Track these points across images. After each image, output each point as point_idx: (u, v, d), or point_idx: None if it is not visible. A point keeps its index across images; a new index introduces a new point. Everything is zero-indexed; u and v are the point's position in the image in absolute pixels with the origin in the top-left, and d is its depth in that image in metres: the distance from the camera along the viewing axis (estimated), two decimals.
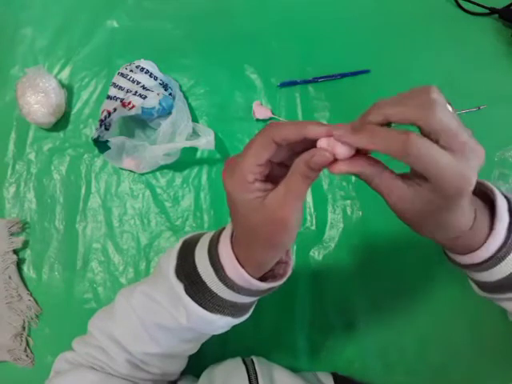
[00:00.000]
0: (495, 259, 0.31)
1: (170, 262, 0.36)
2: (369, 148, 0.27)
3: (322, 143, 0.28)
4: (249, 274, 0.32)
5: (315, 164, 0.28)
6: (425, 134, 0.26)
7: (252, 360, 0.45)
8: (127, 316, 0.38)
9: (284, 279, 0.36)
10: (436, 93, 0.26)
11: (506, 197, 0.32)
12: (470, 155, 0.26)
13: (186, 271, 0.35)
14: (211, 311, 0.34)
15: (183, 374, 0.46)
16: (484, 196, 0.33)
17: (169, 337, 0.38)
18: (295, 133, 0.28)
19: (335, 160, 0.28)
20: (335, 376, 0.49)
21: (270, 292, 0.37)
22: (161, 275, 0.37)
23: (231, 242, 0.33)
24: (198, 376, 0.45)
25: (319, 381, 0.48)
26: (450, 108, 0.26)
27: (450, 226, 0.30)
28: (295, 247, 0.56)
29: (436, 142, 0.25)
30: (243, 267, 0.32)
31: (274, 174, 0.31)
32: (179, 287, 0.34)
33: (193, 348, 0.41)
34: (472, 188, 0.27)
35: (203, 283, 0.34)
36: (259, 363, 0.44)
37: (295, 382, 0.44)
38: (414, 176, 0.28)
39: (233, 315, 0.36)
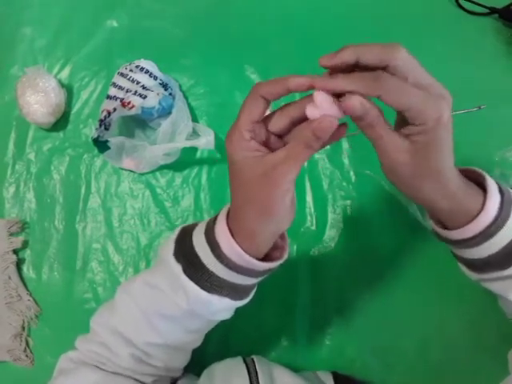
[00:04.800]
0: (485, 235, 0.32)
1: (168, 246, 0.37)
2: (348, 89, 0.29)
3: (311, 112, 0.30)
4: (244, 250, 0.33)
5: (321, 131, 0.29)
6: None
7: (252, 359, 0.45)
8: (128, 307, 0.39)
9: (280, 261, 0.36)
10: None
11: (496, 182, 0.34)
12: (437, 94, 0.29)
13: (184, 253, 0.36)
14: (209, 291, 0.35)
15: (184, 372, 0.45)
16: (476, 183, 0.34)
17: (170, 326, 0.38)
18: (278, 86, 0.30)
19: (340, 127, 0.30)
20: (335, 375, 0.49)
21: (268, 274, 0.37)
22: (160, 261, 0.38)
23: (227, 218, 0.34)
24: (198, 375, 0.45)
25: (319, 380, 0.48)
26: None
27: (439, 175, 0.31)
28: (295, 247, 0.56)
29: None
30: (238, 244, 0.33)
31: (274, 147, 0.32)
32: (178, 268, 0.35)
33: (195, 340, 0.41)
34: (446, 118, 0.28)
35: (201, 263, 0.34)
36: (260, 362, 0.44)
37: (296, 382, 0.44)
38: (399, 129, 0.31)
39: (231, 297, 0.36)
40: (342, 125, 0.31)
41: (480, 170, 0.34)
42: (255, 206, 0.32)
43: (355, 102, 0.29)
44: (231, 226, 0.34)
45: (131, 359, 0.39)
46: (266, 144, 0.33)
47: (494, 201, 0.32)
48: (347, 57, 0.30)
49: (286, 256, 0.37)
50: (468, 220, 0.33)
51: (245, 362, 0.45)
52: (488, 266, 0.35)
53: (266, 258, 0.35)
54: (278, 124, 0.33)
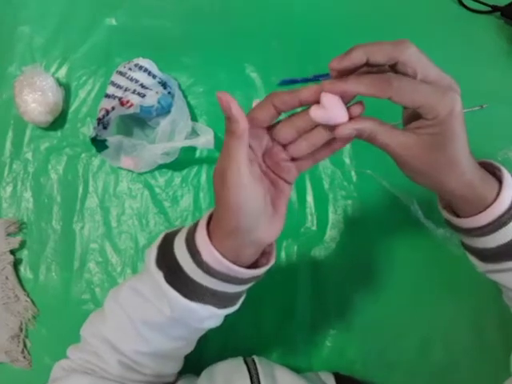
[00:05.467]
0: (498, 224, 0.33)
1: (151, 253, 0.37)
2: (358, 91, 0.29)
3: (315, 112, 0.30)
4: (224, 256, 0.33)
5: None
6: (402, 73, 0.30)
7: (253, 359, 0.45)
8: (116, 314, 0.38)
9: (266, 268, 0.35)
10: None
11: None
12: (447, 87, 0.30)
13: (166, 260, 0.35)
14: (191, 299, 0.34)
15: (183, 373, 0.45)
16: (493, 175, 0.35)
17: (157, 334, 0.37)
18: (290, 96, 0.31)
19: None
20: (337, 376, 0.48)
21: (253, 282, 0.36)
22: (145, 268, 0.38)
23: (207, 225, 0.34)
24: (197, 375, 0.44)
25: (321, 381, 0.48)
26: None
27: (457, 165, 0.31)
28: (296, 247, 0.56)
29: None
30: (218, 250, 0.33)
31: (277, 158, 0.34)
32: (159, 275, 0.35)
33: (184, 347, 0.41)
34: (458, 110, 0.29)
35: (181, 270, 0.34)
36: (260, 363, 0.44)
37: (297, 382, 0.43)
38: (408, 123, 0.31)
39: (215, 305, 0.35)
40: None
41: (496, 163, 0.35)
42: (223, 199, 0.31)
43: (346, 132, 0.30)
44: (211, 230, 0.34)
45: (120, 367, 0.38)
46: (268, 153, 0.33)
47: (508, 191, 0.32)
48: (357, 58, 0.29)
49: (272, 262, 0.36)
50: (482, 209, 0.33)
51: (245, 362, 0.44)
52: (498, 255, 0.35)
53: (253, 265, 0.35)
54: (283, 133, 0.33)
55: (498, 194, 0.33)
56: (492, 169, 0.35)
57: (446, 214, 0.37)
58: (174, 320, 0.36)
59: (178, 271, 0.34)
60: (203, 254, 0.33)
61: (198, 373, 0.45)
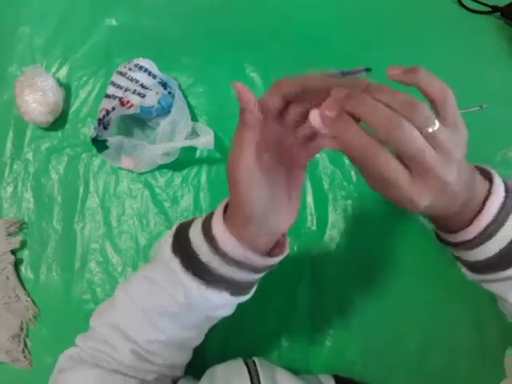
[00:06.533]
0: (483, 236, 0.32)
1: (166, 241, 0.37)
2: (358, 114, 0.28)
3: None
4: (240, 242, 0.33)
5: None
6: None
7: (253, 361, 0.45)
8: (127, 304, 0.38)
9: (280, 258, 0.36)
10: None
11: (504, 182, 0.33)
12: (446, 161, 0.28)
13: (181, 247, 0.35)
14: (206, 286, 0.34)
15: (184, 373, 0.45)
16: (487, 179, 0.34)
17: (170, 323, 0.37)
18: (296, 82, 0.31)
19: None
20: (337, 379, 0.48)
21: (267, 271, 0.37)
22: (158, 257, 0.38)
23: (224, 213, 0.35)
24: (197, 377, 0.44)
25: (321, 383, 0.47)
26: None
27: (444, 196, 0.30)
28: (296, 247, 0.56)
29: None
30: (234, 236, 0.33)
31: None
32: (175, 262, 0.35)
33: (196, 338, 0.41)
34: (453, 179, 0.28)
35: (197, 257, 0.34)
36: (261, 364, 0.44)
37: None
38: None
39: (230, 292, 0.35)
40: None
41: (490, 169, 0.34)
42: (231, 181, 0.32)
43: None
44: (227, 220, 0.34)
45: (132, 356, 0.38)
46: (279, 139, 0.34)
47: (494, 201, 0.32)
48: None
49: (286, 252, 0.36)
50: (468, 223, 0.33)
51: (246, 363, 0.44)
52: (488, 267, 0.35)
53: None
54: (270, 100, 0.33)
55: (481, 208, 0.32)
56: (486, 175, 0.34)
57: (436, 229, 0.37)
58: (188, 308, 0.36)
59: (193, 258, 0.34)
60: (220, 241, 0.33)
61: (198, 373, 0.45)
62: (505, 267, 0.33)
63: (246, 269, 0.35)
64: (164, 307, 0.37)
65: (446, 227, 0.35)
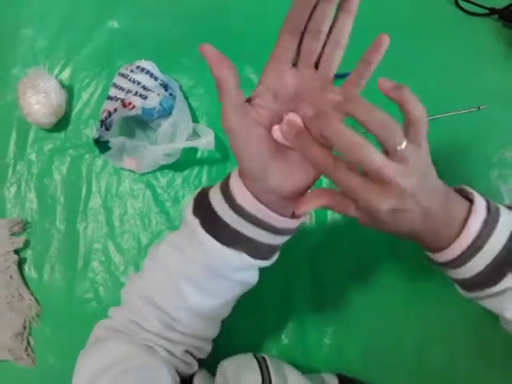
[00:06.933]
0: (468, 253, 0.33)
1: (188, 204, 0.38)
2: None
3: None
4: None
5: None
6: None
7: (263, 357, 0.45)
8: (154, 271, 0.39)
9: (298, 222, 0.37)
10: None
11: (486, 200, 0.34)
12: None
13: (202, 208, 0.36)
14: (225, 244, 0.35)
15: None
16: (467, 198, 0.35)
17: (194, 289, 0.38)
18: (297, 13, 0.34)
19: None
20: (340, 378, 0.48)
21: (286, 237, 0.38)
22: (183, 221, 0.39)
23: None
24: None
25: (325, 382, 0.48)
26: None
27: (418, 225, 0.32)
28: (295, 247, 0.56)
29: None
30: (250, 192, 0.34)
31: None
32: (195, 223, 0.36)
33: (221, 308, 0.41)
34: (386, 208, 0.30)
35: (216, 215, 0.35)
36: (271, 360, 0.44)
37: (304, 382, 0.43)
38: None
39: (250, 254, 0.36)
40: None
41: (471, 190, 0.35)
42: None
43: (301, 213, 0.34)
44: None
45: (159, 324, 0.39)
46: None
47: (475, 222, 0.32)
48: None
49: (304, 219, 0.37)
50: (451, 242, 0.33)
51: (256, 358, 0.44)
52: (476, 284, 0.35)
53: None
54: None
55: (463, 226, 0.33)
56: (466, 194, 0.35)
57: (425, 252, 0.38)
58: (209, 270, 0.37)
59: (213, 217, 0.35)
60: (237, 198, 0.34)
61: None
62: (492, 284, 0.34)
63: (264, 228, 0.35)
64: (186, 272, 0.37)
65: (429, 247, 0.36)
